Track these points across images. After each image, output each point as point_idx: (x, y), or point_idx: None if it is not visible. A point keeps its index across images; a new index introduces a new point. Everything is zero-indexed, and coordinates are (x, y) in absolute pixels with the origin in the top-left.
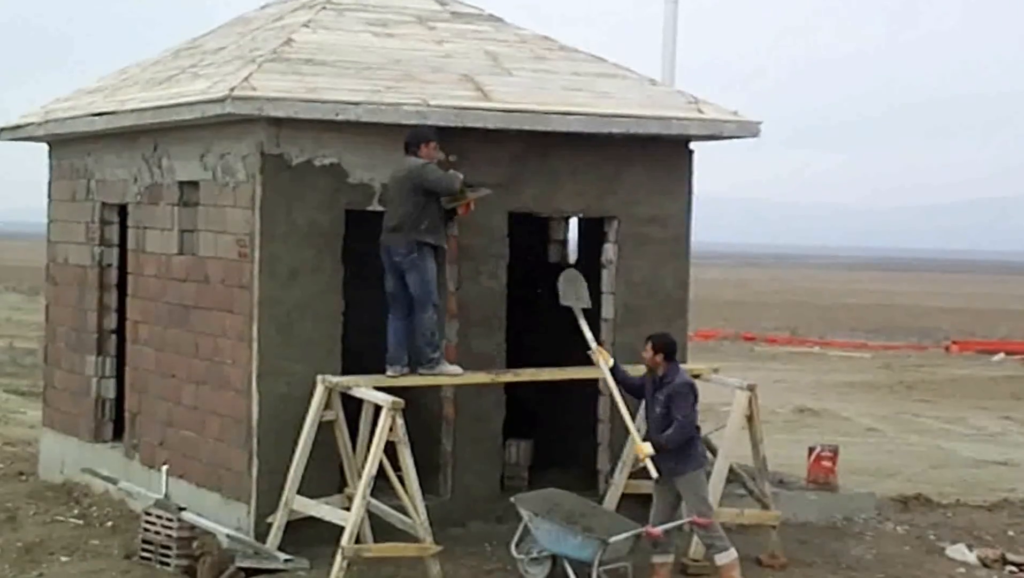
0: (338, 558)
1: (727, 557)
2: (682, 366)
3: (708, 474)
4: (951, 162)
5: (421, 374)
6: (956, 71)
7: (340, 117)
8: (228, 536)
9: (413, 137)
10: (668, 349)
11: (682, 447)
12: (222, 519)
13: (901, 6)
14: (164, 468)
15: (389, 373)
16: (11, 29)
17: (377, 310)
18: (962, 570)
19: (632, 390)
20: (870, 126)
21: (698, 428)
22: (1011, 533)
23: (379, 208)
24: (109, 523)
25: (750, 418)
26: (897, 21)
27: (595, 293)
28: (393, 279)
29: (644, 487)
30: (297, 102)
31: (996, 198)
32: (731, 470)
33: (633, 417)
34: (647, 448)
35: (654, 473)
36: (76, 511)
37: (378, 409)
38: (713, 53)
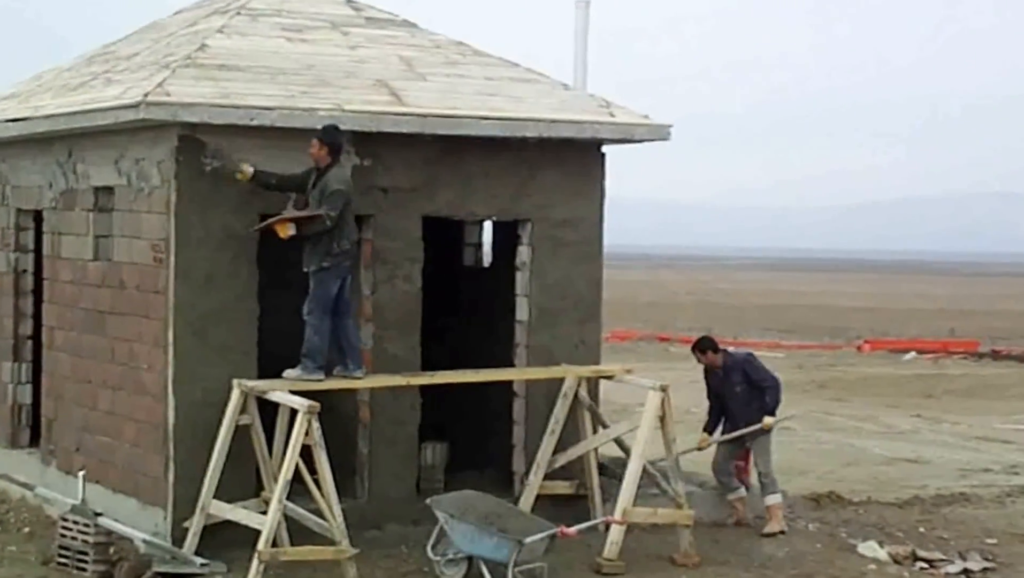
0: (255, 562)
1: (775, 499)
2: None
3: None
4: (860, 164)
5: (357, 377)
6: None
7: (254, 122)
8: (145, 541)
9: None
10: (714, 345)
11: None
12: (139, 524)
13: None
14: (81, 474)
15: (358, 374)
16: None
17: (293, 314)
18: (873, 566)
19: (722, 410)
20: (784, 127)
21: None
22: (921, 529)
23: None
24: (26, 529)
25: (663, 418)
26: (815, 22)
27: (509, 296)
28: (338, 285)
29: (558, 488)
30: (211, 107)
31: (905, 200)
32: (644, 470)
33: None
34: (771, 420)
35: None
36: None
37: (294, 413)
38: (631, 56)
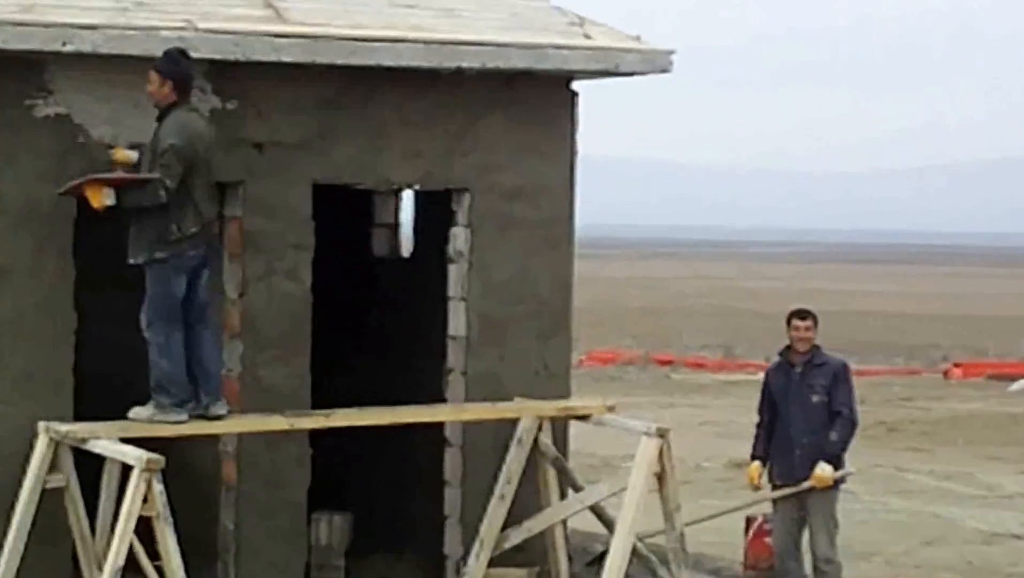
0: None
1: None
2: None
3: None
4: (912, 124)
5: (217, 416)
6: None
7: (69, 48)
8: None
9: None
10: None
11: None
12: None
13: None
14: None
15: (218, 411)
16: None
17: (122, 325)
18: None
19: (774, 420)
20: None
21: None
22: None
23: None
24: None
25: (661, 476)
26: None
27: (439, 299)
28: (185, 283)
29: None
30: (7, 26)
31: (973, 162)
32: (635, 551)
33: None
34: (829, 470)
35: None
36: None
37: (127, 470)
38: None
